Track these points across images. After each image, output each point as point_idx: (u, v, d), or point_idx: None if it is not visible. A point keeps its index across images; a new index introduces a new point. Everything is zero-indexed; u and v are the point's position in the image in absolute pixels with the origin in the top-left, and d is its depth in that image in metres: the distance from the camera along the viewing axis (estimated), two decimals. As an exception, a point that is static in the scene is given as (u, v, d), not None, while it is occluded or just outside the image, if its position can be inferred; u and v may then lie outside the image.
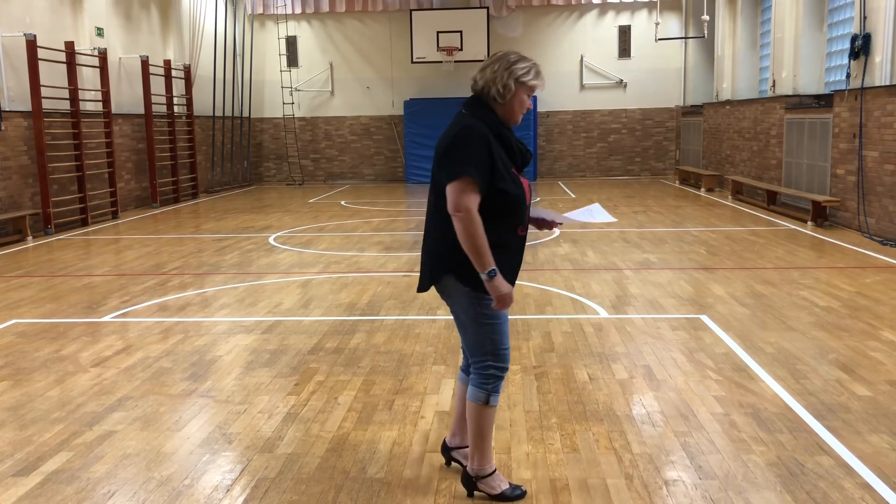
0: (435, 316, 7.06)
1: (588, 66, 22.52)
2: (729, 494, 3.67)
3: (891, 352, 5.76)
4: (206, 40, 19.91)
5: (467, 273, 3.46)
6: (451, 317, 6.99)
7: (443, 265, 3.54)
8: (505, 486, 3.69)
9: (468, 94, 3.62)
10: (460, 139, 3.40)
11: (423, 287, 3.68)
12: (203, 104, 19.93)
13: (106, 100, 14.88)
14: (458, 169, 3.35)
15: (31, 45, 12.52)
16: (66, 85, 13.71)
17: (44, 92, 12.83)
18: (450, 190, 3.37)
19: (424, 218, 3.69)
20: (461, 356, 3.99)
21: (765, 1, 17.15)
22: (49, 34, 13.58)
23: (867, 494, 3.65)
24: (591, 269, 9.08)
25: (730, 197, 16.42)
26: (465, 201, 3.33)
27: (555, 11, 22.39)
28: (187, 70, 18.67)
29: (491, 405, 3.61)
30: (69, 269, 9.69)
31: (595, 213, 3.86)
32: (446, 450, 4.02)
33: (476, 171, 3.34)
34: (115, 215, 15.05)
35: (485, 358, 3.59)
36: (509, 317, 6.91)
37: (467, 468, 3.73)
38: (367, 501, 3.68)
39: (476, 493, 3.71)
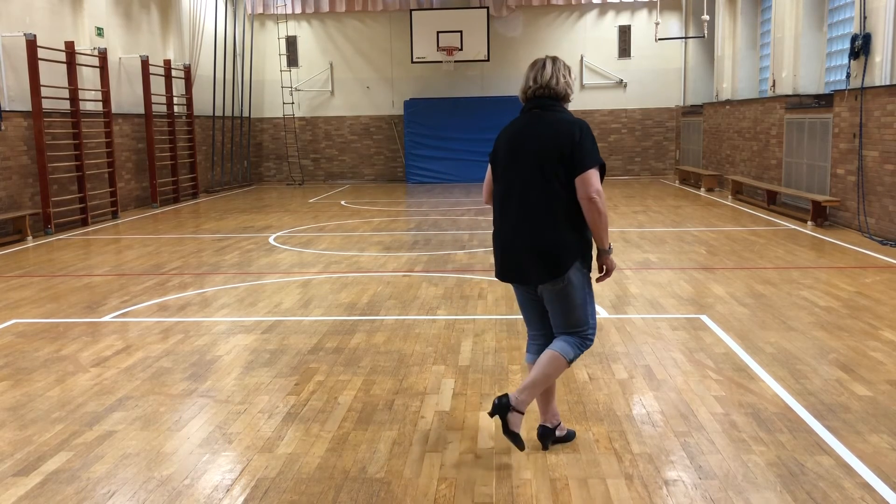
0: (435, 316, 7.06)
1: (588, 66, 22.52)
2: (729, 494, 3.67)
3: (891, 352, 5.76)
4: (206, 40, 19.91)
5: (586, 254, 3.98)
6: (452, 317, 7.02)
7: (574, 252, 3.92)
8: (567, 430, 4.32)
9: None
10: (587, 132, 3.92)
11: (542, 279, 3.96)
12: (203, 104, 19.93)
13: (106, 100, 14.89)
14: (595, 158, 3.88)
15: (31, 45, 12.52)
16: (66, 85, 13.71)
17: (44, 92, 12.83)
18: (590, 177, 3.85)
19: (513, 206, 3.98)
20: (526, 343, 4.31)
21: (765, 1, 17.14)
22: (49, 34, 13.58)
23: (867, 494, 3.65)
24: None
25: (730, 197, 16.42)
26: (600, 186, 3.89)
27: (555, 11, 22.38)
28: (187, 70, 18.67)
29: (571, 363, 4.06)
30: (69, 269, 9.69)
31: None
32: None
33: (600, 160, 3.94)
34: (115, 215, 15.05)
35: (586, 327, 4.06)
36: (509, 316, 6.93)
37: (545, 423, 4.19)
38: (367, 501, 3.68)
39: (548, 447, 4.18)
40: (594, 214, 3.86)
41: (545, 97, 4.00)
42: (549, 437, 4.17)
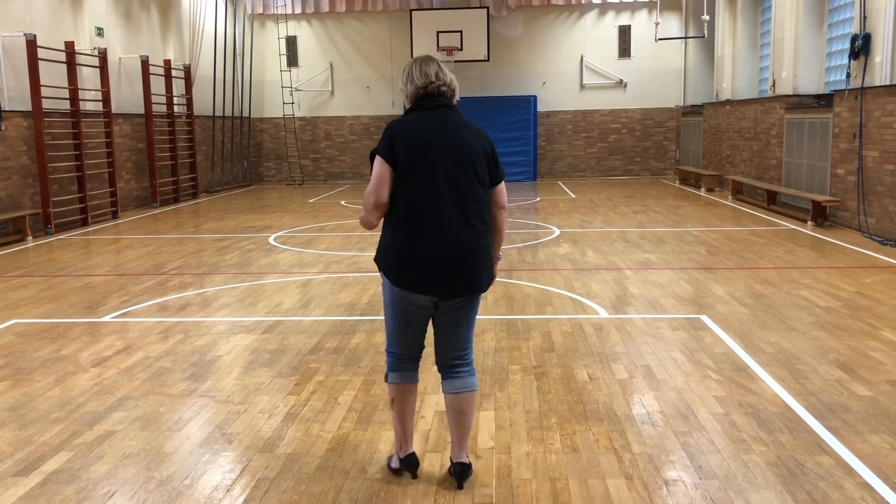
0: (435, 316, 7.06)
1: (588, 65, 22.52)
2: (729, 494, 3.67)
3: (891, 352, 5.76)
4: (206, 40, 19.91)
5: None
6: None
7: (491, 261, 3.78)
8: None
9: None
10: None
11: (485, 287, 3.75)
12: (203, 104, 19.93)
13: (106, 100, 14.89)
14: (502, 168, 3.81)
15: (31, 45, 12.52)
16: (66, 85, 13.71)
17: (44, 92, 12.83)
18: (504, 188, 3.80)
19: (449, 215, 3.60)
20: (408, 358, 3.92)
21: (765, 1, 17.14)
22: (49, 34, 13.58)
23: (867, 494, 3.65)
24: (591, 269, 9.08)
25: (730, 197, 16.42)
26: None
27: (555, 11, 22.38)
28: (187, 70, 18.67)
29: None
30: (69, 269, 9.69)
31: None
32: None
33: None
34: (115, 215, 15.05)
35: (471, 345, 3.91)
36: (509, 316, 6.93)
37: (464, 460, 3.83)
38: (367, 501, 3.68)
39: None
40: (504, 223, 3.81)
41: (448, 96, 3.76)
42: (467, 474, 3.84)
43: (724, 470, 3.91)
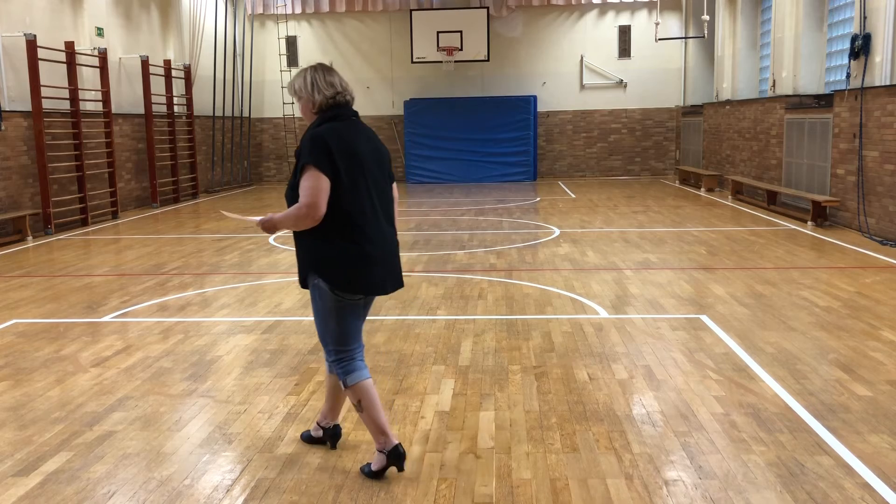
0: (435, 316, 7.06)
1: (588, 66, 22.52)
2: (729, 494, 3.67)
3: (891, 352, 5.76)
4: (206, 40, 19.91)
5: None
6: (451, 317, 7.03)
7: None
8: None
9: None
10: None
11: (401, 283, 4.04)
12: (203, 104, 19.93)
13: (106, 100, 14.89)
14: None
15: (31, 45, 12.52)
16: (66, 85, 13.71)
17: (44, 92, 12.83)
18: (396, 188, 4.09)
19: (380, 218, 3.88)
20: (360, 349, 4.03)
21: (765, 1, 17.14)
22: (49, 34, 13.58)
23: (867, 494, 3.65)
24: (591, 269, 9.08)
25: (730, 197, 16.42)
26: None
27: (555, 11, 22.38)
28: (187, 70, 18.67)
29: None
30: (69, 269, 9.69)
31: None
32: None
33: None
34: (115, 215, 15.05)
35: None
36: (509, 316, 6.93)
37: (338, 422, 4.31)
38: (367, 501, 3.68)
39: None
40: (397, 214, 4.14)
41: (351, 105, 3.94)
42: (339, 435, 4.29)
43: (724, 470, 3.91)
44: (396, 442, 3.89)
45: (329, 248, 3.76)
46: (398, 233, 4.05)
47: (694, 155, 21.14)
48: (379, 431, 3.89)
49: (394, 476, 3.92)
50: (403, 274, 4.12)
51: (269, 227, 3.85)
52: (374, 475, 3.89)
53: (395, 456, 3.86)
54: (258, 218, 3.91)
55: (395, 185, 4.10)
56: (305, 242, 3.84)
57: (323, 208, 3.66)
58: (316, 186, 3.65)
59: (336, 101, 3.85)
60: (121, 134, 15.97)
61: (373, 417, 3.88)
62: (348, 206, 3.72)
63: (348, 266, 3.75)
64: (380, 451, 3.90)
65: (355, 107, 3.99)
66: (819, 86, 14.20)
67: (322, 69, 3.90)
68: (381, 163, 3.94)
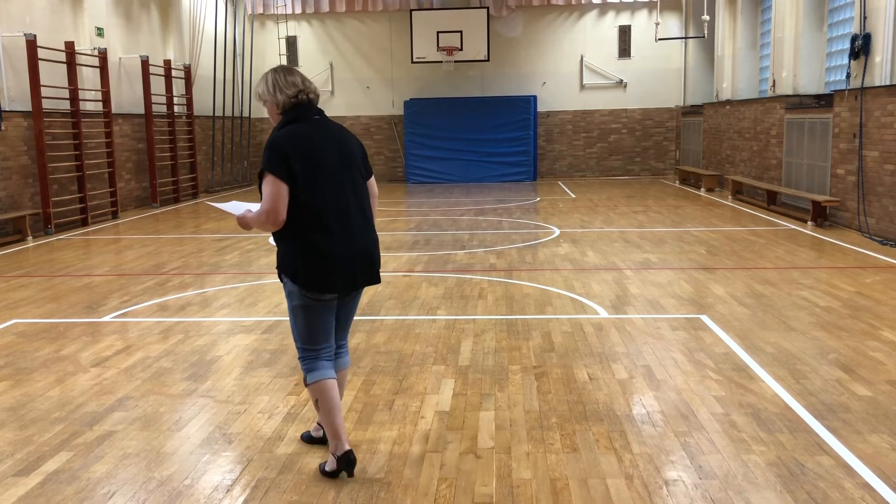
0: (435, 316, 7.06)
1: (588, 66, 22.52)
2: (729, 494, 3.67)
3: (891, 352, 5.76)
4: (206, 40, 19.91)
5: None
6: (452, 317, 7.03)
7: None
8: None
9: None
10: None
11: (378, 279, 4.13)
12: (203, 104, 19.93)
13: (106, 100, 14.88)
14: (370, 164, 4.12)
15: (31, 45, 12.52)
16: (66, 85, 13.71)
17: (44, 92, 12.83)
18: (374, 180, 4.12)
19: (352, 215, 3.90)
20: (328, 349, 4.00)
21: (765, 1, 17.14)
22: (49, 34, 13.58)
23: (867, 494, 3.65)
24: (591, 269, 9.09)
25: (730, 197, 16.42)
26: None
27: (555, 11, 22.38)
28: (187, 70, 18.67)
29: None
30: (69, 269, 9.69)
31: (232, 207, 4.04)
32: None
33: None
34: (115, 215, 15.05)
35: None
36: (509, 316, 6.93)
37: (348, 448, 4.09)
38: (367, 501, 3.68)
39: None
40: (375, 209, 4.17)
41: (316, 104, 3.96)
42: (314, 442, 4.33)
43: (724, 470, 3.91)
44: (348, 448, 3.87)
45: (291, 246, 3.83)
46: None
47: (694, 155, 21.14)
48: (332, 434, 3.89)
49: (394, 476, 3.92)
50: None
51: (244, 224, 3.91)
52: (327, 475, 3.92)
53: (346, 462, 3.86)
54: (238, 213, 3.94)
55: (372, 179, 4.09)
56: (277, 241, 3.92)
57: (282, 213, 3.71)
58: (275, 193, 3.69)
59: (299, 101, 3.87)
60: (121, 134, 15.97)
61: (328, 419, 3.89)
62: (310, 206, 3.75)
63: (309, 264, 3.78)
64: (332, 454, 3.90)
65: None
66: (819, 86, 14.20)
67: (283, 70, 3.92)
68: (349, 159, 3.92)
